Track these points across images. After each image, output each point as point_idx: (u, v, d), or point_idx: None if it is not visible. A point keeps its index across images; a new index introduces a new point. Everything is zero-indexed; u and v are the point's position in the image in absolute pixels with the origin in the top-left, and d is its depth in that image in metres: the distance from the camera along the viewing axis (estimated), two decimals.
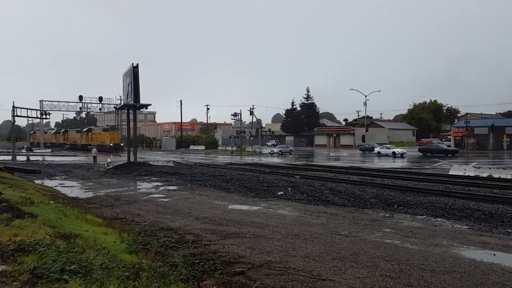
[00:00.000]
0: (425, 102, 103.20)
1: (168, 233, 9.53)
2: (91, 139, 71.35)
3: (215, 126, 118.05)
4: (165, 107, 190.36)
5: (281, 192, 17.29)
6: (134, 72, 30.27)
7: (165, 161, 37.92)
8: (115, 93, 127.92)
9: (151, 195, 17.14)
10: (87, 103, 63.24)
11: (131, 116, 34.31)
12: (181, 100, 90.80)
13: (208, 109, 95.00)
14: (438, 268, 6.76)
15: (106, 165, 32.62)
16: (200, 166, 32.33)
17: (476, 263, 7.16)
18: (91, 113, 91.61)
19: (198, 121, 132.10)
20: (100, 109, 65.40)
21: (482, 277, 6.31)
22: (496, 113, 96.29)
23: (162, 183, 21.60)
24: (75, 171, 30.63)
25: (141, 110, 38.40)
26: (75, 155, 56.97)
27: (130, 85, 31.15)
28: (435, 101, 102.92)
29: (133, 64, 30.50)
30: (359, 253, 7.70)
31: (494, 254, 7.90)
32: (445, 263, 7.06)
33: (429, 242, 8.88)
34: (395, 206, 14.07)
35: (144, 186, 21.03)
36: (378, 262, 7.15)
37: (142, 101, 30.93)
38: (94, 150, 43.84)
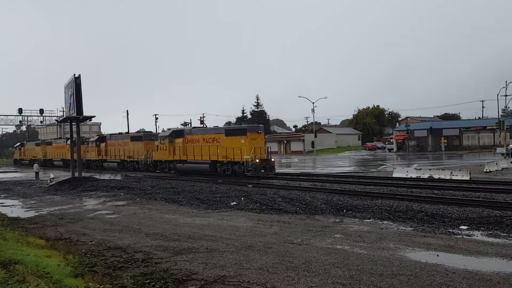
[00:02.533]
0: (368, 107, 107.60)
1: (116, 253, 9.18)
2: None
3: None
4: (112, 117, 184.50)
5: (234, 202, 17.23)
6: (76, 83, 29.08)
7: (112, 174, 36.66)
8: (58, 105, 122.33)
9: (97, 212, 16.46)
10: (27, 116, 60.03)
11: (74, 129, 32.93)
12: (127, 110, 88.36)
13: (156, 118, 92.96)
14: (386, 272, 6.99)
15: (49, 181, 30.99)
16: (150, 179, 31.54)
17: (422, 265, 7.48)
18: (31, 126, 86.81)
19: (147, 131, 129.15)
20: (41, 121, 62.23)
21: (427, 278, 6.60)
22: (433, 116, 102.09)
23: (109, 198, 20.83)
24: (15, 188, 28.84)
25: (85, 121, 37.09)
26: (15, 171, 53.61)
27: (72, 96, 29.88)
28: (378, 106, 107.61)
29: (74, 75, 29.31)
30: (312, 261, 7.81)
31: (438, 255, 8.30)
32: (392, 267, 7.32)
33: (377, 245, 9.18)
34: (344, 210, 14.44)
35: (90, 202, 20.17)
36: (330, 269, 7.28)
37: (86, 112, 30.04)
38: (35, 165, 41.37)
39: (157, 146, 37.83)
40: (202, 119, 62.59)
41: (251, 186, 22.86)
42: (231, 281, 6.77)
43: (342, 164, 46.51)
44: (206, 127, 40.23)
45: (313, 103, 77.09)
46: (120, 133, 49.24)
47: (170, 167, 37.30)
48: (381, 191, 18.81)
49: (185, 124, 41.76)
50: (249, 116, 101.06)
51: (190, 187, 23.43)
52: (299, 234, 10.65)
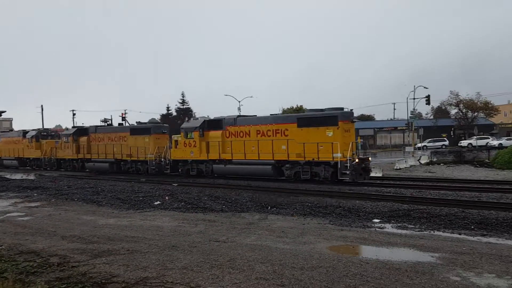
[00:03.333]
0: (292, 107, 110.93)
1: (29, 257, 8.54)
2: None
3: None
4: (26, 112, 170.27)
5: (158, 202, 16.85)
6: None
7: (25, 173, 33.97)
8: None
9: (8, 214, 15.16)
10: None
11: None
12: (42, 105, 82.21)
13: (74, 114, 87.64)
14: (307, 265, 7.30)
15: None
16: (67, 178, 29.71)
17: (339, 257, 7.92)
18: None
19: (64, 128, 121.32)
20: None
21: (344, 269, 7.00)
22: None
23: (21, 200, 19.27)
24: None
25: None
26: None
27: None
28: (301, 106, 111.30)
29: None
30: (236, 258, 7.90)
31: (354, 247, 8.84)
32: (312, 260, 7.66)
33: (299, 240, 9.54)
34: (269, 207, 14.80)
35: None
36: (254, 265, 7.43)
37: None
38: None
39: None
40: (124, 116, 60.21)
41: (176, 185, 22.51)
42: (153, 282, 6.63)
43: None
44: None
45: (239, 101, 77.75)
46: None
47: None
48: (303, 188, 19.54)
49: (105, 120, 39.61)
50: (174, 113, 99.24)
51: (111, 187, 22.47)
52: (224, 232, 10.72)
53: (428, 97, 49.70)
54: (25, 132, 42.64)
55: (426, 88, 52.44)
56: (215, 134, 25.92)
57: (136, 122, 34.05)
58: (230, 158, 24.81)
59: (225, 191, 19.39)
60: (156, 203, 16.67)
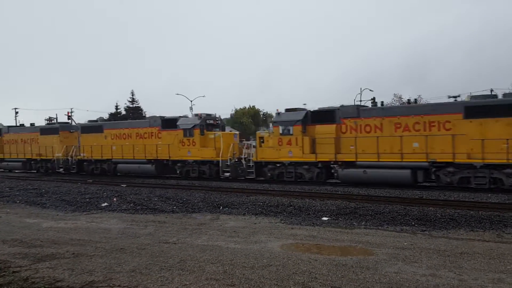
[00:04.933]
0: (245, 107, 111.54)
1: None
2: None
3: None
4: None
5: (106, 203, 16.34)
6: None
7: None
8: None
9: None
10: None
11: None
12: None
13: (17, 113, 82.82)
14: (257, 264, 7.39)
15: None
16: (8, 179, 28.09)
17: (289, 255, 8.08)
18: None
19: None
20: None
21: (293, 267, 7.16)
22: None
23: None
24: None
25: None
26: None
27: None
28: (253, 106, 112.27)
29: None
30: (187, 260, 7.85)
31: (303, 245, 9.05)
32: (263, 259, 7.76)
33: (250, 239, 9.62)
34: (221, 207, 14.79)
35: None
36: (205, 266, 7.42)
37: None
38: None
39: None
40: (69, 115, 57.87)
41: (125, 185, 21.92)
42: (100, 286, 6.45)
43: None
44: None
45: (191, 101, 77.01)
46: None
47: None
48: (256, 188, 19.72)
49: (49, 119, 38.03)
50: (124, 112, 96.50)
51: (56, 188, 21.51)
52: (174, 233, 10.59)
53: (373, 99, 51.64)
54: None
55: (372, 90, 54.69)
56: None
57: (88, 120, 33.12)
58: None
59: (176, 191, 19.15)
60: (103, 204, 16.16)
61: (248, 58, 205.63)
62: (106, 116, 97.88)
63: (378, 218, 12.08)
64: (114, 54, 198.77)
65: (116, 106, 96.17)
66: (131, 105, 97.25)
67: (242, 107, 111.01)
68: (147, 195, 18.06)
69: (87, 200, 17.27)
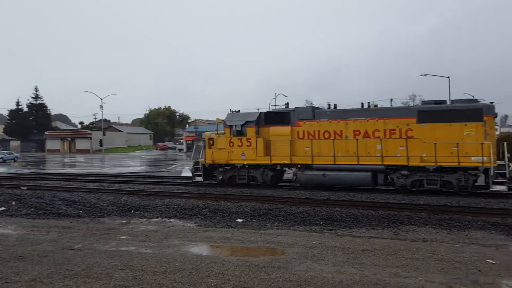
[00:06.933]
0: (160, 107, 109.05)
1: None
2: None
3: None
4: None
5: (3, 208, 14.89)
6: None
7: None
8: None
9: None
10: None
11: None
12: None
13: None
14: (169, 269, 7.24)
15: None
16: None
17: (202, 258, 8.04)
18: None
19: None
20: None
21: (206, 270, 7.13)
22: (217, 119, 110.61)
23: None
24: None
25: None
26: None
27: None
28: (169, 107, 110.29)
29: None
30: (93, 266, 7.43)
31: (217, 247, 9.07)
32: (176, 263, 7.62)
33: (163, 244, 9.40)
34: (132, 211, 14.27)
35: None
36: (113, 272, 7.08)
37: None
38: None
39: None
40: None
41: (25, 188, 20.14)
42: None
43: (132, 164, 45.69)
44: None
45: (101, 99, 73.35)
46: None
47: None
48: (170, 190, 19.31)
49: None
50: (26, 109, 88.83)
51: None
52: (80, 239, 9.97)
53: (287, 104, 53.62)
54: None
55: (286, 96, 56.70)
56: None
57: None
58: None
59: (83, 194, 18.04)
60: (0, 209, 14.69)
61: (165, 59, 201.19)
62: (5, 113, 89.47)
63: (289, 219, 12.53)
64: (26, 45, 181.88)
65: (17, 102, 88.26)
66: (34, 102, 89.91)
67: (157, 107, 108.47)
68: (50, 198, 16.76)
69: None
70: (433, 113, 17.10)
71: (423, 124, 16.98)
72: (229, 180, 20.62)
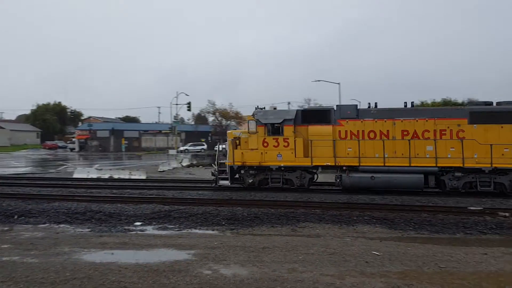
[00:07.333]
0: (49, 103, 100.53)
1: None
2: None
3: None
4: None
5: None
6: None
7: None
8: None
9: None
10: None
11: None
12: None
13: None
14: (58, 279, 6.64)
15: None
16: None
17: (96, 265, 7.52)
18: None
19: None
20: None
21: (100, 278, 6.68)
22: (115, 117, 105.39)
23: None
24: None
25: None
26: None
27: None
28: (60, 102, 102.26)
29: None
30: None
31: (113, 253, 8.56)
32: (66, 272, 7.02)
33: (51, 252, 8.62)
34: (16, 217, 12.90)
35: None
36: None
37: None
38: None
39: None
40: None
41: None
42: None
43: (16, 165, 41.38)
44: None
45: None
46: None
47: None
48: (60, 193, 17.84)
49: None
50: None
51: None
52: None
53: (189, 103, 53.28)
54: None
55: (188, 95, 56.08)
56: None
57: None
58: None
59: None
60: None
61: (55, 54, 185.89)
62: None
63: (191, 220, 12.37)
64: None
65: None
66: None
67: (45, 103, 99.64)
68: None
69: None
70: (485, 114, 16.83)
71: (475, 125, 16.71)
72: (259, 184, 18.78)
